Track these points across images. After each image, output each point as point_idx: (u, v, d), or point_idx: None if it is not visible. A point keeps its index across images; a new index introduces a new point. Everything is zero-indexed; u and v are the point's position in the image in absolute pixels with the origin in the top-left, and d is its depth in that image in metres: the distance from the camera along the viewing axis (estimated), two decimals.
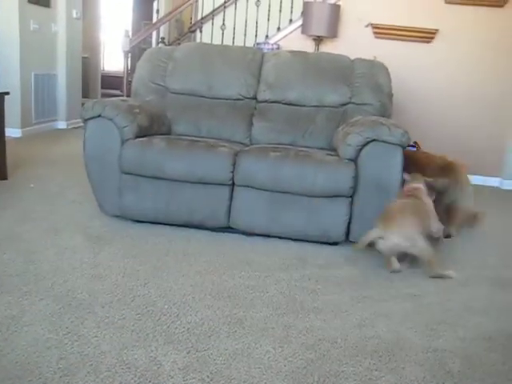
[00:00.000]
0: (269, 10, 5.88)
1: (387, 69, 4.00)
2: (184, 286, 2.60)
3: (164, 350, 2.03)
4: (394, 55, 5.51)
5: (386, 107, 3.87)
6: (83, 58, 8.03)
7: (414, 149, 5.39)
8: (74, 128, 7.52)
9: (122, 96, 6.71)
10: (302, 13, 5.67)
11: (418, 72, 5.71)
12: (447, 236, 3.58)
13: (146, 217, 3.41)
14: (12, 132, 6.06)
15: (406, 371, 2.02)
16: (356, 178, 3.17)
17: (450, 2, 5.55)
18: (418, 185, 3.17)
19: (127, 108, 3.42)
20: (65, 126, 7.44)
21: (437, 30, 5.60)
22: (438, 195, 3.35)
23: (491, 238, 3.89)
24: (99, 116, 3.34)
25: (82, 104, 7.24)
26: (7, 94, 4.28)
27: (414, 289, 2.82)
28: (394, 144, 3.14)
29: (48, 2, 6.76)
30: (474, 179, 5.73)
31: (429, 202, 3.16)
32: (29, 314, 2.20)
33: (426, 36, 5.64)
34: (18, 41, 6.20)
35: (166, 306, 2.37)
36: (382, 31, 5.70)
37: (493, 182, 5.86)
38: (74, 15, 7.30)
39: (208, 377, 1.88)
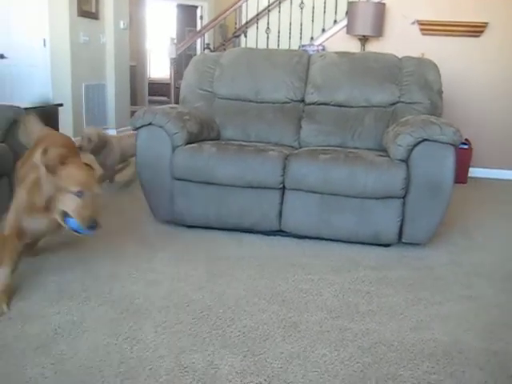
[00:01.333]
0: (313, 12, 5.86)
1: (436, 66, 3.92)
2: (237, 290, 2.62)
3: (221, 353, 2.05)
4: (442, 51, 5.40)
5: (437, 105, 3.80)
6: (130, 66, 8.21)
7: (466, 146, 5.28)
8: None
9: (169, 102, 6.81)
10: (347, 13, 5.63)
11: (469, 67, 5.58)
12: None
13: (198, 222, 3.46)
14: None
15: (466, 375, 1.98)
16: (408, 179, 3.12)
17: None
18: None
19: (177, 115, 3.47)
20: (115, 134, 7.60)
21: (486, 23, 5.46)
22: None
23: None
24: (150, 124, 3.41)
25: (131, 112, 7.42)
26: (61, 105, 4.43)
27: (470, 290, 2.75)
28: (445, 143, 3.08)
29: (97, 14, 6.96)
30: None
31: None
32: (89, 320, 2.26)
33: (475, 30, 5.50)
34: (69, 53, 6.40)
35: (221, 311, 2.40)
36: (428, 27, 5.60)
37: None
38: (122, 26, 7.47)
39: (265, 380, 1.89)
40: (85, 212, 2.30)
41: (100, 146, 4.21)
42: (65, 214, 2.33)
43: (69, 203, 2.30)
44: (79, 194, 2.29)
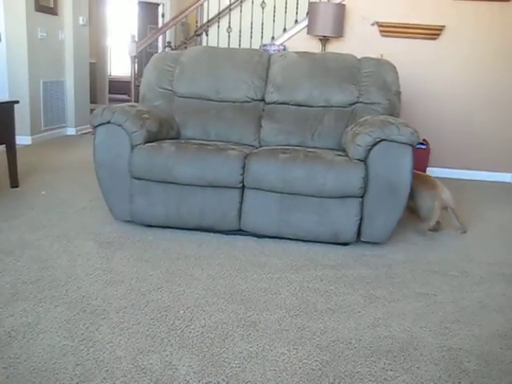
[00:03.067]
0: (274, 12, 5.88)
1: (394, 67, 3.98)
2: (197, 289, 2.61)
3: (179, 354, 2.04)
4: (400, 53, 5.51)
5: (395, 106, 3.86)
6: (90, 63, 8.08)
7: (424, 146, 5.38)
8: (83, 134, 7.56)
9: (130, 101, 6.73)
10: (308, 13, 5.67)
11: (426, 69, 5.69)
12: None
13: (157, 221, 3.43)
14: (22, 139, 6.12)
15: (421, 371, 2.02)
16: (366, 179, 3.16)
17: None
18: None
19: (136, 113, 3.43)
20: (74, 133, 7.48)
21: (443, 26, 5.58)
22: None
23: (505, 234, 3.87)
24: (108, 122, 3.36)
25: (91, 110, 7.31)
26: (17, 102, 4.31)
27: (427, 288, 2.81)
28: (403, 143, 3.14)
29: (55, 9, 6.82)
30: (485, 175, 5.74)
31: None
32: (44, 321, 2.22)
33: (433, 33, 5.62)
34: (26, 49, 6.25)
35: (180, 311, 2.38)
36: (387, 29, 5.68)
37: (505, 177, 5.82)
38: (81, 22, 7.34)
39: (224, 380, 1.89)
40: None
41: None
42: None
43: None
44: None
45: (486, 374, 2.02)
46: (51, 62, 6.88)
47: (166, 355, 2.03)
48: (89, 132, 7.51)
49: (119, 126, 3.35)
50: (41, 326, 2.18)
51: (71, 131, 7.47)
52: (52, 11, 6.75)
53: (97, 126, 3.40)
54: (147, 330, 2.19)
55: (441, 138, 5.74)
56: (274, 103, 4.00)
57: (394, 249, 3.37)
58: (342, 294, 2.66)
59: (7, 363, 1.91)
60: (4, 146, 4.25)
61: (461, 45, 5.63)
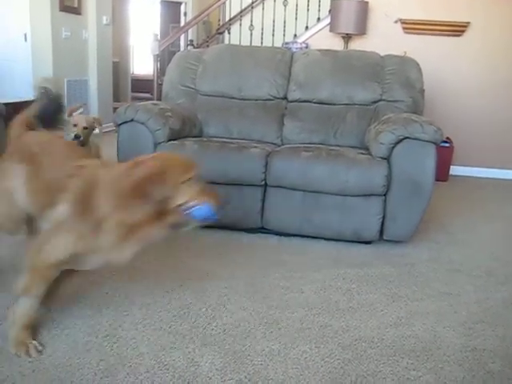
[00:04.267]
0: (296, 9, 5.87)
1: (418, 64, 3.95)
2: (219, 287, 2.61)
3: (201, 351, 2.05)
4: (424, 50, 5.44)
5: (418, 103, 3.82)
6: (113, 62, 8.15)
7: (447, 144, 5.32)
8: (106, 132, 7.62)
9: (152, 99, 6.77)
10: (330, 11, 5.65)
11: (450, 66, 5.63)
12: None
13: None
14: None
15: (444, 371, 2.00)
16: (389, 177, 3.14)
17: None
18: None
19: (159, 111, 3.46)
20: (97, 131, 7.53)
21: (468, 22, 5.51)
22: None
23: None
24: (132, 120, 3.39)
25: (114, 108, 7.36)
26: None
27: (450, 287, 2.78)
28: (427, 141, 3.10)
29: (79, 9, 6.88)
30: (511, 174, 5.65)
31: None
32: (68, 318, 2.24)
33: (458, 29, 5.55)
34: (51, 48, 6.33)
35: (202, 308, 2.39)
36: (411, 26, 5.63)
37: None
38: (104, 21, 7.40)
39: (246, 377, 1.89)
40: (209, 192, 1.97)
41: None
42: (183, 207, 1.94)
43: (187, 192, 1.92)
44: (194, 179, 1.94)
45: None
46: (75, 61, 6.95)
47: (189, 352, 2.04)
48: (112, 130, 7.57)
49: (142, 123, 3.37)
50: (65, 322, 2.21)
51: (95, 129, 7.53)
52: (76, 11, 6.82)
53: (120, 124, 3.44)
54: (170, 327, 2.21)
55: (465, 136, 5.67)
56: (296, 101, 3.99)
57: (416, 247, 3.34)
58: (364, 293, 2.65)
59: (33, 358, 1.94)
60: None
61: (486, 41, 5.55)
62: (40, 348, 2.00)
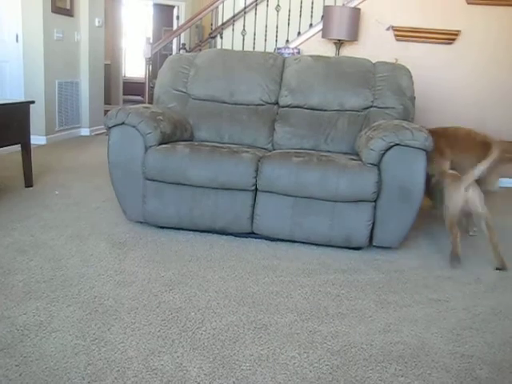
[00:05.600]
0: (289, 15, 5.89)
1: (409, 71, 3.97)
2: (208, 291, 2.61)
3: (190, 355, 2.04)
4: (415, 57, 5.49)
5: (409, 110, 3.85)
6: (105, 64, 8.14)
7: None
8: (97, 135, 7.61)
9: (144, 102, 6.77)
10: (322, 17, 5.68)
11: (441, 74, 5.67)
12: None
13: (170, 223, 3.44)
14: (37, 139, 6.17)
15: (432, 377, 2.00)
16: (379, 183, 3.15)
17: (471, 3, 5.50)
18: None
19: (150, 115, 3.45)
20: (88, 133, 7.53)
21: (459, 31, 5.56)
22: None
23: None
24: (123, 123, 3.38)
25: (105, 111, 7.35)
26: (32, 102, 4.35)
27: (439, 294, 2.79)
28: (417, 148, 3.12)
29: (71, 11, 6.88)
30: (503, 181, 5.68)
31: None
32: (56, 320, 2.23)
33: (449, 37, 5.60)
34: (42, 49, 6.31)
35: (192, 313, 2.39)
36: (402, 33, 5.67)
37: None
38: (97, 24, 7.40)
39: (234, 382, 1.89)
40: None
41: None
42: None
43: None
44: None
45: (499, 382, 2.01)
46: (67, 63, 6.94)
47: (177, 356, 2.03)
48: (103, 133, 7.56)
49: (133, 127, 3.36)
50: (53, 324, 2.19)
51: (85, 132, 7.52)
52: (68, 12, 6.81)
53: (111, 126, 3.42)
54: (158, 331, 2.20)
55: None
56: (287, 106, 4.00)
57: (406, 254, 3.35)
58: (353, 299, 2.66)
59: (19, 361, 1.92)
60: (19, 145, 4.28)
61: (477, 49, 5.60)
62: None
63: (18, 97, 6.07)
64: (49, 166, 5.16)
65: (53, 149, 6.21)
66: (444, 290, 2.85)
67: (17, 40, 6.27)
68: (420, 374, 2.02)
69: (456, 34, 5.57)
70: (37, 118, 6.14)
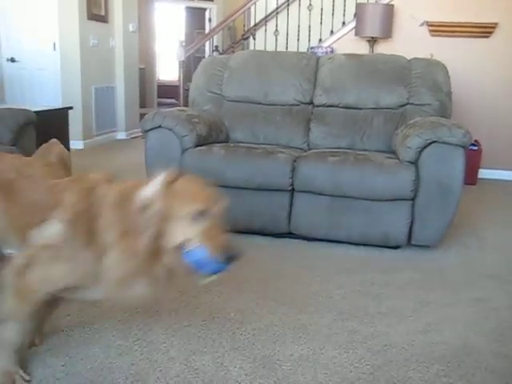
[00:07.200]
0: (321, 14, 5.86)
1: (445, 67, 3.91)
2: (247, 292, 2.62)
3: (230, 356, 2.06)
4: (451, 52, 5.39)
5: (446, 107, 3.79)
6: (139, 69, 8.25)
7: (476, 148, 5.26)
8: (133, 138, 7.72)
9: (178, 105, 6.83)
10: (355, 14, 5.63)
11: (478, 68, 5.56)
12: None
13: None
14: (75, 144, 6.30)
15: (476, 378, 1.97)
16: (417, 181, 3.11)
17: None
18: None
19: (186, 118, 3.49)
20: (124, 137, 7.64)
21: (496, 23, 5.44)
22: None
23: None
24: (159, 127, 3.42)
25: (140, 114, 7.46)
26: (71, 108, 4.46)
27: (481, 292, 2.74)
28: (455, 145, 3.08)
29: (106, 17, 7.00)
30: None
31: None
32: (100, 322, 2.27)
33: (485, 31, 5.48)
34: (79, 56, 6.45)
35: (231, 313, 2.40)
36: (437, 28, 5.58)
37: None
38: (131, 29, 7.51)
39: (275, 382, 1.90)
40: (217, 236, 1.56)
41: None
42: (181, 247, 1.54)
43: (189, 230, 1.52)
44: (202, 215, 1.54)
45: None
46: (102, 69, 7.07)
47: (218, 357, 2.05)
48: (139, 136, 7.66)
49: (170, 130, 3.41)
50: (96, 326, 2.24)
51: (122, 135, 7.64)
52: (103, 19, 6.93)
53: (148, 130, 3.48)
54: (199, 332, 2.22)
55: (493, 139, 5.59)
56: (322, 106, 3.99)
57: (446, 252, 3.31)
58: (392, 298, 2.63)
59: (65, 361, 1.97)
60: None
61: None
62: (27, 378, 1.82)
63: (57, 103, 6.20)
64: (87, 170, 5.24)
65: (91, 153, 6.33)
66: (485, 288, 2.80)
67: (54, 48, 6.43)
68: (463, 374, 1.99)
69: (493, 27, 5.45)
70: (75, 123, 6.25)
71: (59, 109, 4.39)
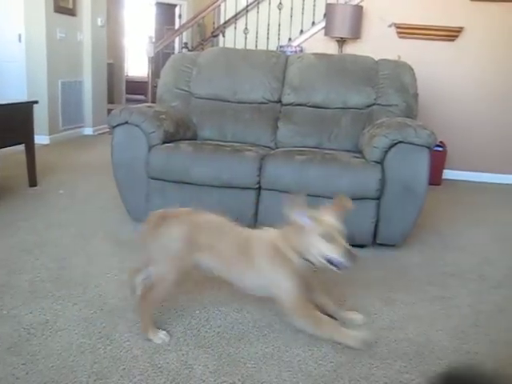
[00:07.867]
0: (291, 13, 5.88)
1: (412, 69, 3.97)
2: (212, 290, 2.61)
3: (195, 353, 2.05)
4: (418, 54, 5.47)
5: (412, 108, 3.84)
6: (108, 64, 8.14)
7: (441, 149, 5.35)
8: (100, 134, 7.62)
9: (147, 101, 6.78)
10: (325, 14, 5.67)
11: (444, 71, 5.65)
12: None
13: None
14: (40, 139, 6.17)
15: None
16: (382, 180, 3.15)
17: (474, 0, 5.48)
18: None
19: (153, 114, 3.46)
20: (91, 132, 7.54)
21: (462, 27, 5.54)
22: None
23: None
24: (126, 123, 3.39)
25: (108, 110, 7.36)
26: (36, 102, 4.36)
27: (443, 291, 2.79)
28: (420, 145, 3.12)
29: (74, 10, 6.89)
30: (504, 178, 5.68)
31: None
32: (62, 319, 2.24)
33: (451, 34, 5.58)
34: (45, 49, 6.32)
35: (196, 311, 2.39)
36: (405, 31, 5.66)
37: None
38: (99, 23, 7.41)
39: (239, 380, 1.90)
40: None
41: None
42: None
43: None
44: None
45: None
46: (70, 63, 6.95)
47: (182, 354, 2.04)
48: (106, 132, 7.58)
49: (137, 126, 3.37)
50: (59, 323, 2.20)
51: (88, 131, 7.53)
52: (71, 12, 6.82)
53: (115, 126, 3.43)
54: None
55: (458, 140, 5.70)
56: (290, 105, 4.00)
57: (410, 251, 3.35)
58: (357, 297, 2.66)
59: (26, 360, 1.94)
60: (23, 145, 4.30)
61: (479, 46, 5.58)
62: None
63: (21, 97, 6.08)
64: (53, 166, 5.17)
65: (56, 148, 6.22)
66: (448, 286, 2.85)
67: (19, 40, 6.29)
68: (425, 370, 2.03)
69: (458, 31, 5.55)
70: (40, 117, 6.13)
71: (24, 102, 4.28)
